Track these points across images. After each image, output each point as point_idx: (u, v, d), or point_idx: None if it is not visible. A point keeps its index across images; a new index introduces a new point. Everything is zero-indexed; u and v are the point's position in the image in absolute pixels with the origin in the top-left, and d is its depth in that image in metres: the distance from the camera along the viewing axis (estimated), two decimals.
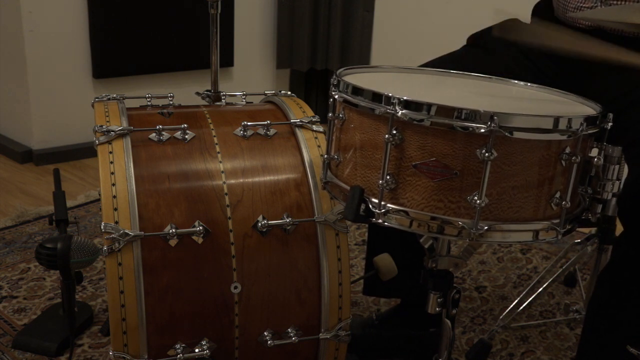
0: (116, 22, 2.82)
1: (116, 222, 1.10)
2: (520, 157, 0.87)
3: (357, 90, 0.95)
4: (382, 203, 0.92)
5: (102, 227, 1.10)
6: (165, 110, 1.32)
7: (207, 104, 1.44)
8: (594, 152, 0.96)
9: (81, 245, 1.48)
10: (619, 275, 1.19)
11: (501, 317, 1.67)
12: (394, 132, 0.89)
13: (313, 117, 1.30)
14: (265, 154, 1.24)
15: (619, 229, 1.22)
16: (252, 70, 3.43)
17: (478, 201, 0.87)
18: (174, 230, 1.12)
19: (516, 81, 1.17)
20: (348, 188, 0.96)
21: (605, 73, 1.28)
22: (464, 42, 1.52)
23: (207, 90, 1.46)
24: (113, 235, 1.09)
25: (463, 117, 0.85)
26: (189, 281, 1.14)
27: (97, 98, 1.33)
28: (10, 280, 1.85)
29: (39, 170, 2.77)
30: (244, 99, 1.43)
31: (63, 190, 1.59)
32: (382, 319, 1.64)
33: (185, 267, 1.14)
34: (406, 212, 0.91)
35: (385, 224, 0.92)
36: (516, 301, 1.69)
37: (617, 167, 0.97)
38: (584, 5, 1.31)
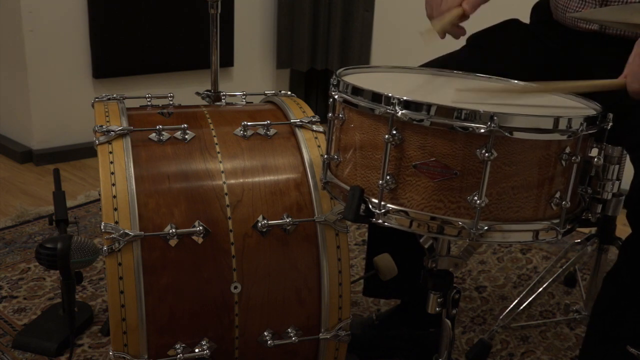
0: (116, 22, 2.82)
1: (116, 222, 1.10)
2: (520, 157, 0.87)
3: (357, 91, 0.95)
4: (382, 203, 0.92)
5: (102, 227, 1.10)
6: (165, 110, 1.32)
7: (207, 104, 1.44)
8: (594, 152, 0.96)
9: (81, 245, 1.48)
10: (625, 278, 1.19)
11: (501, 317, 1.66)
12: (394, 132, 0.89)
13: (313, 117, 1.30)
14: (265, 154, 1.24)
15: (619, 229, 1.22)
16: (252, 70, 3.43)
17: (478, 201, 0.87)
18: (174, 230, 1.12)
19: (516, 81, 1.16)
20: (348, 188, 0.96)
21: (608, 74, 1.27)
22: (464, 42, 1.52)
23: (207, 90, 1.46)
24: (113, 235, 1.09)
25: (463, 117, 0.85)
26: (189, 281, 1.14)
27: (97, 98, 1.33)
28: (10, 280, 1.85)
29: (39, 170, 2.77)
30: (244, 99, 1.43)
31: (63, 190, 1.59)
32: (382, 319, 1.64)
33: (185, 267, 1.14)
34: (406, 212, 0.91)
35: (385, 224, 0.92)
36: (516, 301, 1.69)
37: (617, 167, 0.97)
38: (581, 10, 1.31)
